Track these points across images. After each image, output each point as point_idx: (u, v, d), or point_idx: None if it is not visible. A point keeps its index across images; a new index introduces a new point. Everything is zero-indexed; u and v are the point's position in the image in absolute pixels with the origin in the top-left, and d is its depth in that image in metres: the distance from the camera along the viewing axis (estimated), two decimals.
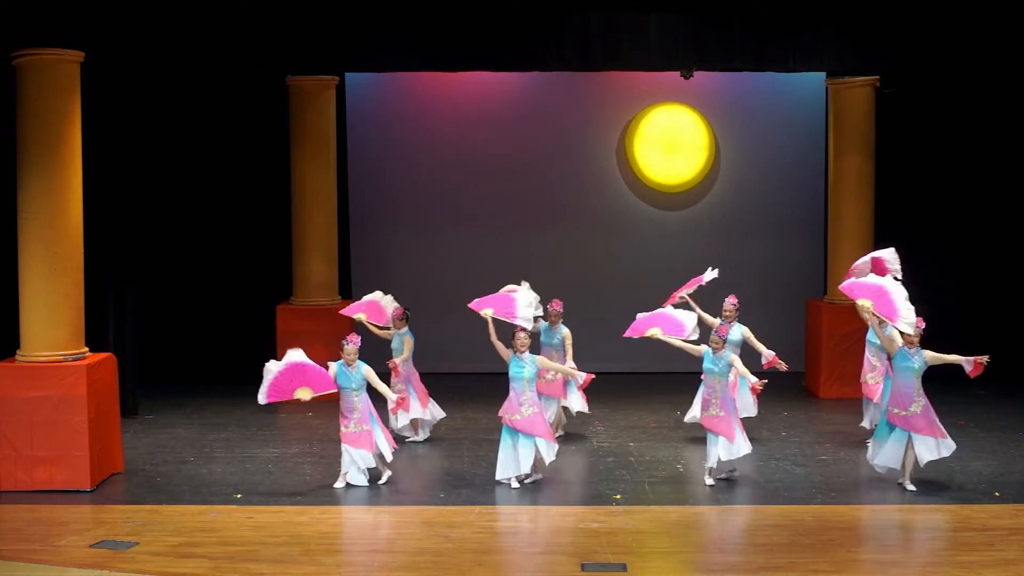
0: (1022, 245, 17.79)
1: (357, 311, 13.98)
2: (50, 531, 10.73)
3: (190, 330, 17.87)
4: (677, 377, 15.16)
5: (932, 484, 12.08)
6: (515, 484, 12.04)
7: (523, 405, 12.00)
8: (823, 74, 16.92)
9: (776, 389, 15.16)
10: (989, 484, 12.07)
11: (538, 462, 12.12)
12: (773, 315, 17.18)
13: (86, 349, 12.30)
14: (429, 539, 10.54)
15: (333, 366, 12.08)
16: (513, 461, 11.99)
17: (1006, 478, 12.31)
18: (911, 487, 11.82)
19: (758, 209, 18.39)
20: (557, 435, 14.08)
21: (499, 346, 12.15)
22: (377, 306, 14.06)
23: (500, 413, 12.11)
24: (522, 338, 12.08)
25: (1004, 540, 10.29)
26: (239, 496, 11.81)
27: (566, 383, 13.88)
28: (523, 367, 12.04)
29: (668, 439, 14.08)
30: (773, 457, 13.24)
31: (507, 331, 12.42)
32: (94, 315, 13.17)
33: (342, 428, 12.08)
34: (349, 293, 17.57)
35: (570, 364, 13.54)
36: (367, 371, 12.17)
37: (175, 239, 17.81)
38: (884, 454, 11.83)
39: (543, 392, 13.57)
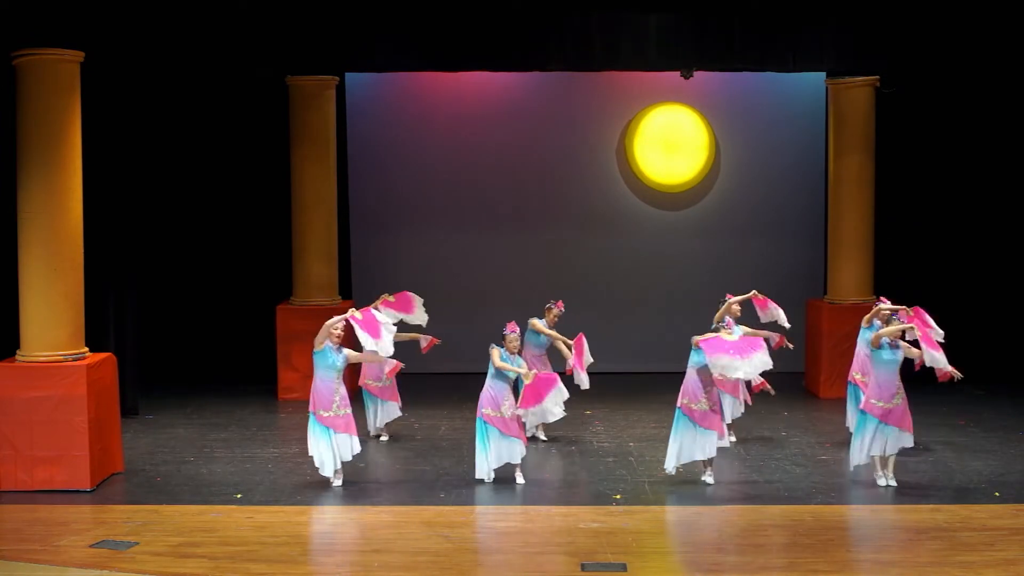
0: (1022, 245, 17.78)
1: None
2: (50, 531, 10.73)
3: (190, 330, 17.87)
4: (677, 377, 15.11)
5: (932, 484, 12.09)
6: (488, 479, 12.11)
7: (503, 404, 12.06)
8: (823, 74, 16.91)
9: (776, 389, 15.12)
10: (989, 484, 12.07)
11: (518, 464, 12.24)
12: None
13: (86, 349, 12.30)
14: (429, 539, 10.53)
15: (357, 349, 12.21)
16: (489, 458, 12.08)
17: (1006, 478, 12.31)
18: (893, 482, 11.89)
19: (758, 209, 18.39)
20: (541, 437, 14.11)
21: (494, 355, 12.11)
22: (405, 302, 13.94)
23: (478, 410, 12.14)
24: (514, 338, 12.14)
25: (1004, 540, 10.29)
26: (239, 496, 11.80)
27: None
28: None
29: (668, 439, 14.04)
30: (773, 457, 13.25)
31: (495, 332, 12.45)
32: (94, 315, 13.16)
33: (322, 412, 11.98)
34: (349, 293, 17.56)
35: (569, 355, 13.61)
36: (350, 354, 12.20)
37: (175, 239, 17.81)
38: (863, 447, 11.86)
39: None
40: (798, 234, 18.28)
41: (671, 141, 18.35)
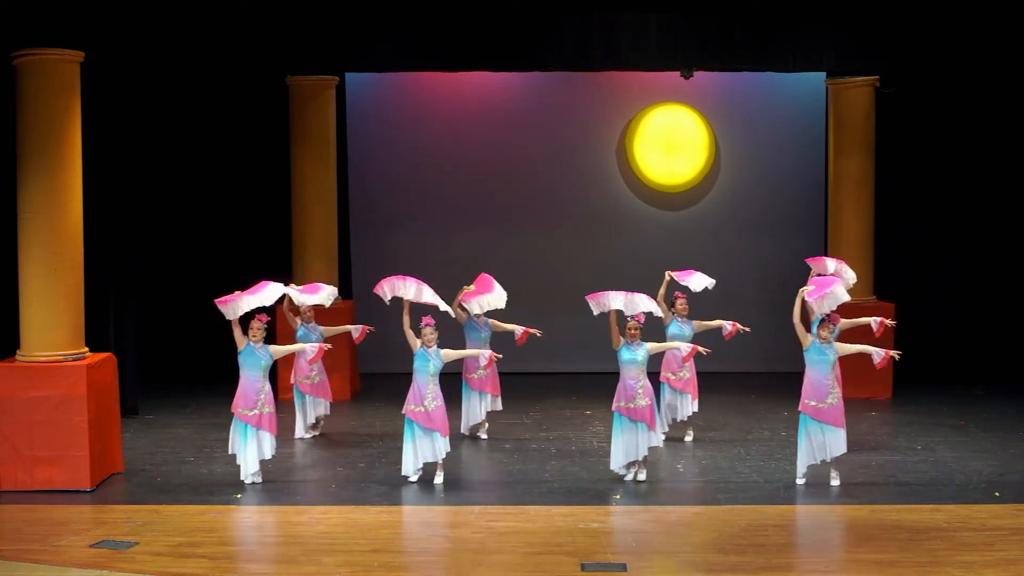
0: (1022, 245, 17.78)
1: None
2: (50, 531, 10.72)
3: (190, 330, 17.85)
4: None
5: (932, 484, 12.09)
6: (414, 478, 12.13)
7: (426, 399, 12.03)
8: (823, 74, 16.92)
9: (776, 389, 15.15)
10: (989, 484, 12.07)
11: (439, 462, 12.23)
12: (773, 315, 17.17)
13: (86, 349, 12.29)
14: (429, 539, 10.53)
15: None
16: (414, 455, 12.08)
17: (1006, 478, 12.31)
18: (836, 481, 11.93)
19: (758, 209, 18.40)
20: (482, 436, 14.18)
21: (410, 335, 12.13)
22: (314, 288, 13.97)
23: (404, 407, 12.15)
24: (428, 332, 12.08)
25: (1004, 540, 10.29)
26: (239, 496, 11.81)
27: (497, 380, 14.09)
28: (429, 361, 12.06)
29: (668, 439, 14.06)
30: (773, 457, 13.25)
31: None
32: (94, 315, 13.16)
33: (244, 411, 12.04)
34: (349, 293, 17.56)
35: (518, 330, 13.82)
36: (275, 349, 12.38)
37: (175, 239, 17.81)
38: (804, 456, 11.89)
39: (475, 388, 13.90)
40: (798, 234, 18.27)
41: (671, 141, 18.36)
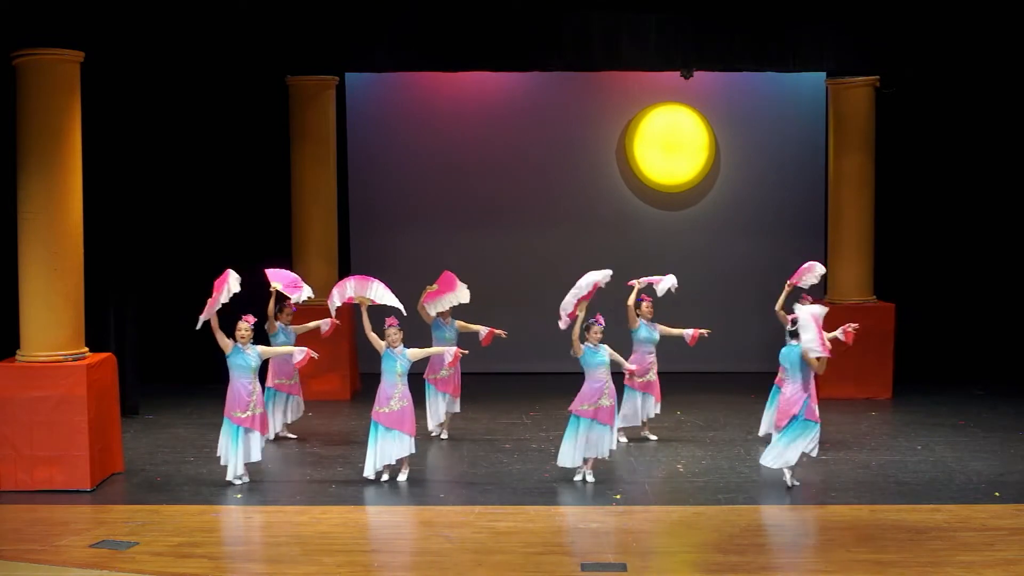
0: (1022, 245, 17.79)
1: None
2: (50, 531, 10.72)
3: (190, 330, 17.81)
4: (676, 377, 15.14)
5: (932, 484, 12.09)
6: (385, 478, 12.14)
7: (392, 399, 12.04)
8: (823, 74, 16.91)
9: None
10: (989, 484, 12.07)
11: (403, 460, 12.22)
12: (772, 315, 17.18)
13: (86, 349, 12.29)
14: (429, 539, 10.53)
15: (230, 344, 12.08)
16: (378, 456, 12.07)
17: (1006, 478, 12.31)
18: (796, 482, 11.90)
19: (758, 209, 18.39)
20: (443, 436, 14.17)
21: (373, 338, 12.12)
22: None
23: (372, 410, 12.17)
24: (393, 332, 12.07)
25: (1004, 540, 10.29)
26: (239, 496, 11.81)
27: (458, 380, 14.11)
28: (395, 361, 12.05)
29: (668, 439, 14.08)
30: None
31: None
32: (94, 315, 13.16)
33: (238, 414, 11.98)
34: None
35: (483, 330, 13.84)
36: (263, 350, 12.31)
37: (175, 239, 17.79)
38: (793, 451, 11.77)
39: (441, 389, 13.94)
40: (798, 234, 18.26)
41: (671, 141, 18.35)
